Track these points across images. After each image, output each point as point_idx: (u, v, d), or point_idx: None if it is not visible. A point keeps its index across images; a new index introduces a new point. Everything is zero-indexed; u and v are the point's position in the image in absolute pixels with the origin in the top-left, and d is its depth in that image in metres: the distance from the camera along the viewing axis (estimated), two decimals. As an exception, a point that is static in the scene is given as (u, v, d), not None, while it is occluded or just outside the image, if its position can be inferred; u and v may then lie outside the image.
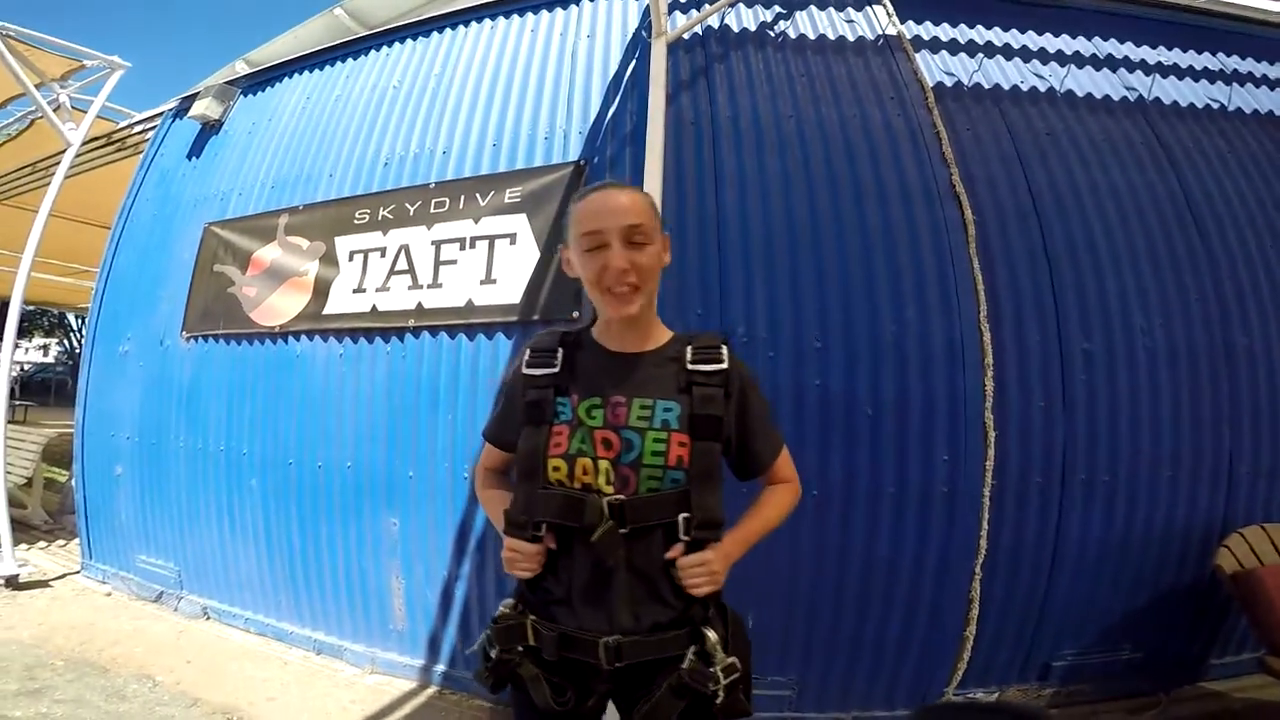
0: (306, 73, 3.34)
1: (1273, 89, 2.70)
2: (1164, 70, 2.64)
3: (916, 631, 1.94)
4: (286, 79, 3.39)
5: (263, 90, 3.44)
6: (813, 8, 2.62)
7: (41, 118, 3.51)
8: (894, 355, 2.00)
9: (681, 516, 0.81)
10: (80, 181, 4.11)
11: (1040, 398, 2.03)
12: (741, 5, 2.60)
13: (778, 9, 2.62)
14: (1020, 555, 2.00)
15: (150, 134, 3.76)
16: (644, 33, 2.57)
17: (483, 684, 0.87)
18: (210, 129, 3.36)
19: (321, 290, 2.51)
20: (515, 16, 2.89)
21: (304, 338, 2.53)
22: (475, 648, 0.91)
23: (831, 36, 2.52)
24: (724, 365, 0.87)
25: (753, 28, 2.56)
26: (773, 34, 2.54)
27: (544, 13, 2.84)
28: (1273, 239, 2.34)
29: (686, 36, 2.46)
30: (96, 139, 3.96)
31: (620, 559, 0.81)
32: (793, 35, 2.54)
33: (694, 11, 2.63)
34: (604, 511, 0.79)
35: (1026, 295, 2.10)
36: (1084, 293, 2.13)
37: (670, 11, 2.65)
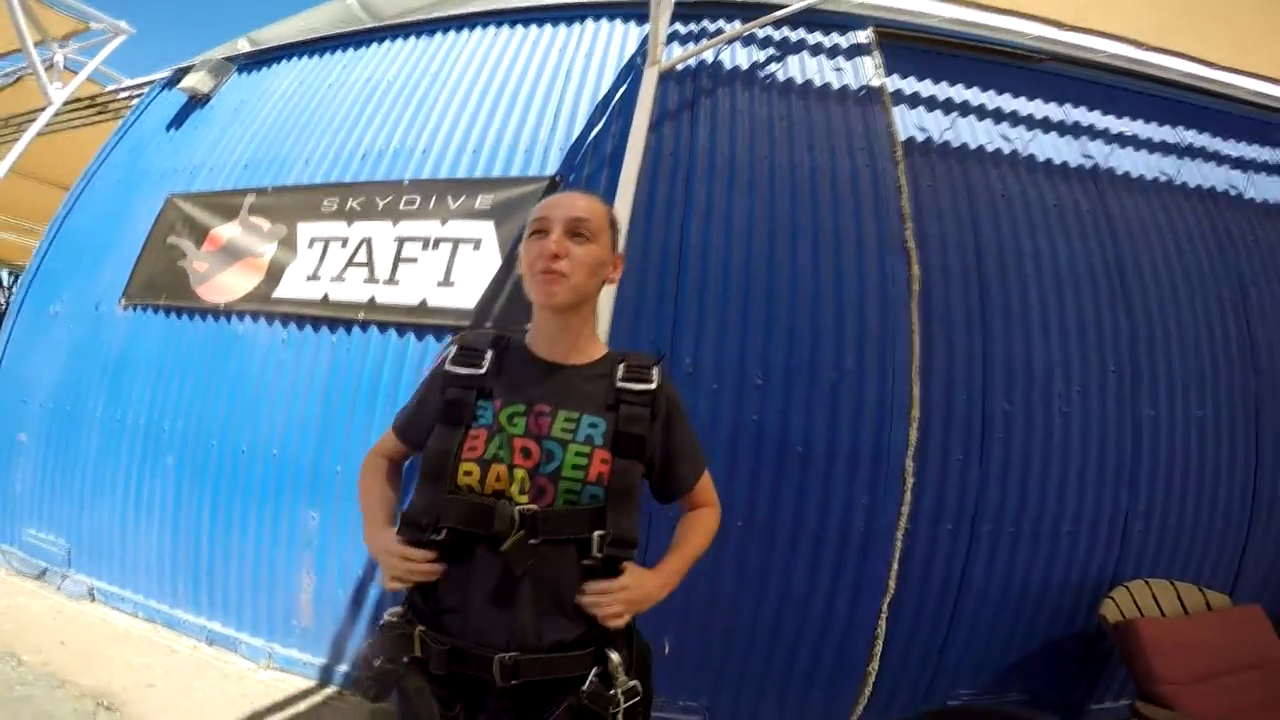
0: (305, 57, 3.37)
1: (1215, 163, 2.85)
2: (1120, 140, 2.78)
3: (824, 663, 1.99)
4: (284, 61, 3.42)
5: (258, 70, 3.45)
6: (805, 53, 2.71)
7: (31, 74, 3.47)
8: (828, 399, 2.07)
9: (596, 534, 0.79)
10: (55, 142, 4.03)
11: (959, 451, 2.11)
12: (738, 43, 2.68)
13: (772, 50, 2.72)
14: (925, 598, 2.07)
15: (134, 101, 3.73)
16: (639, 59, 2.65)
17: (363, 693, 0.81)
18: (197, 102, 3.34)
19: (275, 273, 2.47)
20: (520, 26, 2.96)
21: (249, 318, 2.47)
22: (358, 655, 0.86)
23: (818, 83, 2.61)
24: (653, 386, 0.87)
25: (744, 66, 2.64)
26: (762, 74, 2.63)
27: (548, 26, 2.92)
28: (1191, 315, 2.47)
29: (679, 68, 2.54)
30: (79, 100, 3.91)
31: (527, 570, 0.78)
32: (781, 78, 2.63)
33: (691, 44, 2.71)
34: (514, 520, 0.76)
35: (959, 353, 2.18)
36: (1012, 356, 2.22)
37: (668, 42, 2.74)
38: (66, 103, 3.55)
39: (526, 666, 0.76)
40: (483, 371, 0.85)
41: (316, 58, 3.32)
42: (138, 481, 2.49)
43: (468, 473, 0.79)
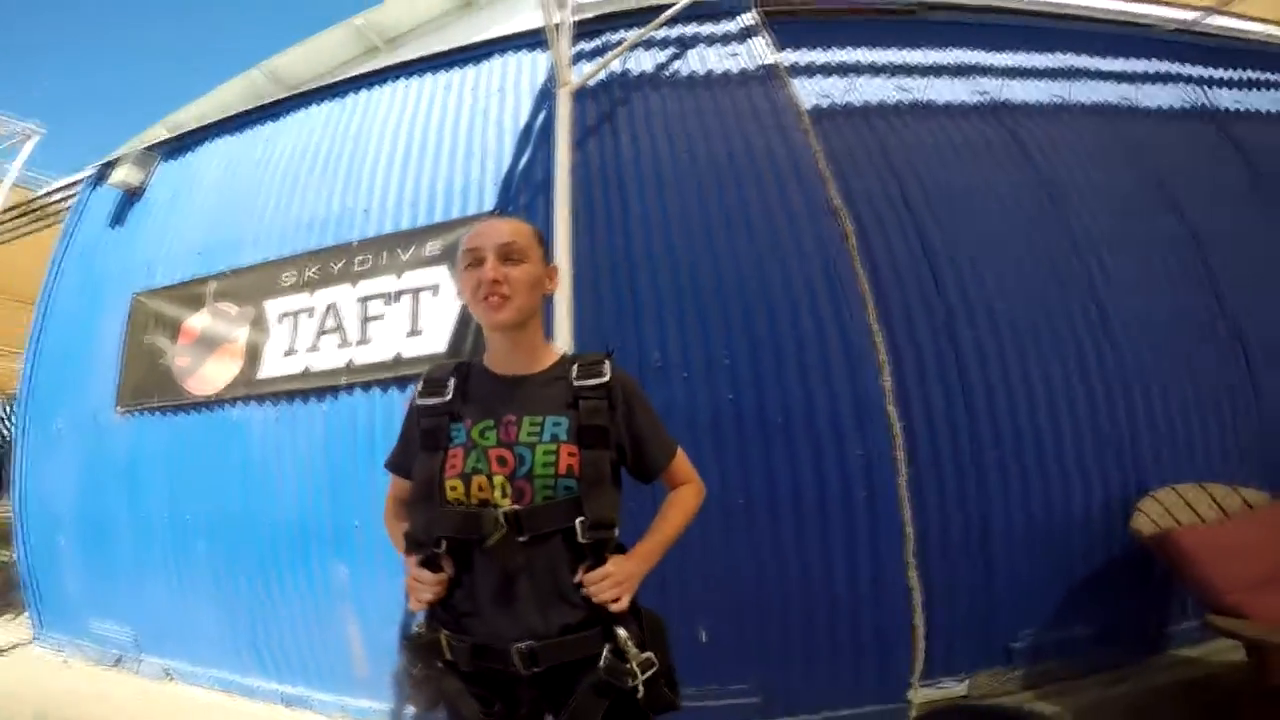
0: (226, 136, 3.41)
1: (1103, 80, 2.97)
2: (1011, 73, 2.88)
3: (865, 627, 1.97)
4: (207, 143, 3.45)
5: (182, 155, 3.49)
6: (702, 45, 2.79)
7: None
8: (796, 365, 2.09)
9: (578, 521, 0.87)
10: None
11: (939, 387, 2.15)
12: (641, 49, 2.75)
13: (672, 49, 2.80)
14: (949, 541, 2.04)
15: (69, 202, 3.74)
16: (550, 84, 2.73)
17: (415, 705, 0.91)
18: (132, 196, 3.39)
19: (253, 355, 2.59)
20: (429, 75, 3.03)
21: (239, 404, 2.60)
22: (397, 671, 0.95)
23: (718, 71, 2.70)
24: (606, 379, 0.94)
25: (650, 69, 2.73)
26: (668, 74, 2.72)
27: (455, 70, 2.99)
28: (1125, 216, 2.55)
29: (591, 84, 2.61)
30: (13, 208, 3.90)
31: (521, 565, 0.86)
32: (684, 73, 2.72)
33: (598, 59, 2.76)
34: (499, 521, 0.85)
35: (913, 295, 2.23)
36: (965, 287, 2.27)
37: (576, 61, 2.82)
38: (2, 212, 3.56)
39: (543, 652, 0.84)
40: (449, 398, 0.94)
41: (237, 135, 3.37)
42: (176, 568, 2.65)
43: (453, 488, 0.88)
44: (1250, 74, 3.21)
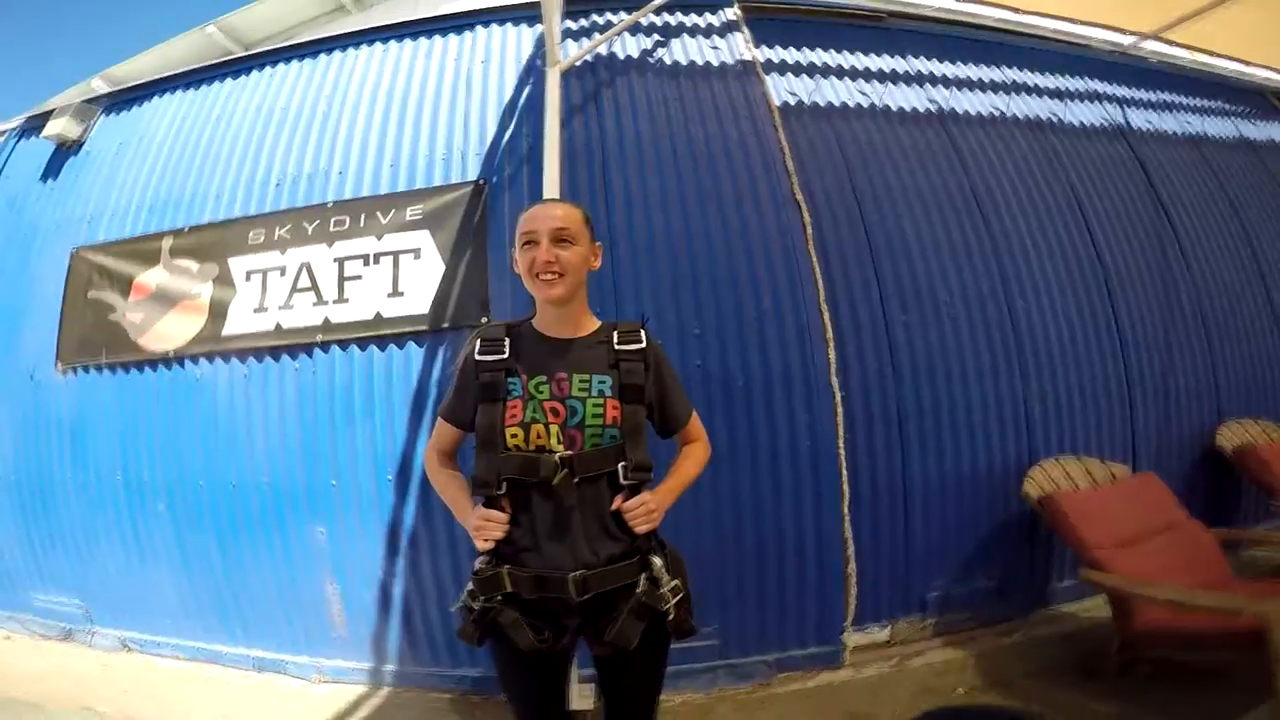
0: (180, 91, 3.22)
1: (1037, 95, 3.31)
2: (959, 84, 3.15)
3: (809, 574, 2.21)
4: (156, 97, 3.24)
5: (128, 109, 3.26)
6: (686, 35, 2.94)
7: None
8: (756, 337, 2.31)
9: (620, 465, 1.01)
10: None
11: (874, 362, 2.43)
12: (626, 34, 2.87)
13: (657, 37, 2.92)
14: (878, 499, 2.34)
15: (-16, 155, 3.40)
16: (538, 61, 2.79)
17: (467, 640, 1.01)
18: (68, 149, 3.13)
19: (218, 311, 2.48)
20: (409, 40, 2.99)
21: (203, 361, 2.49)
22: (456, 606, 1.03)
23: (700, 62, 2.85)
24: (643, 345, 1.09)
25: (636, 55, 2.84)
26: (653, 60, 2.85)
27: (438, 38, 2.97)
28: (1039, 223, 2.88)
29: (578, 64, 2.70)
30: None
31: (574, 503, 0.99)
32: (668, 61, 2.85)
33: (585, 40, 2.86)
34: (557, 465, 0.98)
35: (856, 282, 2.50)
36: (900, 276, 2.55)
37: (564, 39, 2.91)
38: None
39: (594, 580, 0.97)
40: (505, 355, 1.06)
41: (193, 90, 3.18)
42: (133, 533, 2.49)
43: (514, 435, 1.00)
44: (1166, 96, 3.72)
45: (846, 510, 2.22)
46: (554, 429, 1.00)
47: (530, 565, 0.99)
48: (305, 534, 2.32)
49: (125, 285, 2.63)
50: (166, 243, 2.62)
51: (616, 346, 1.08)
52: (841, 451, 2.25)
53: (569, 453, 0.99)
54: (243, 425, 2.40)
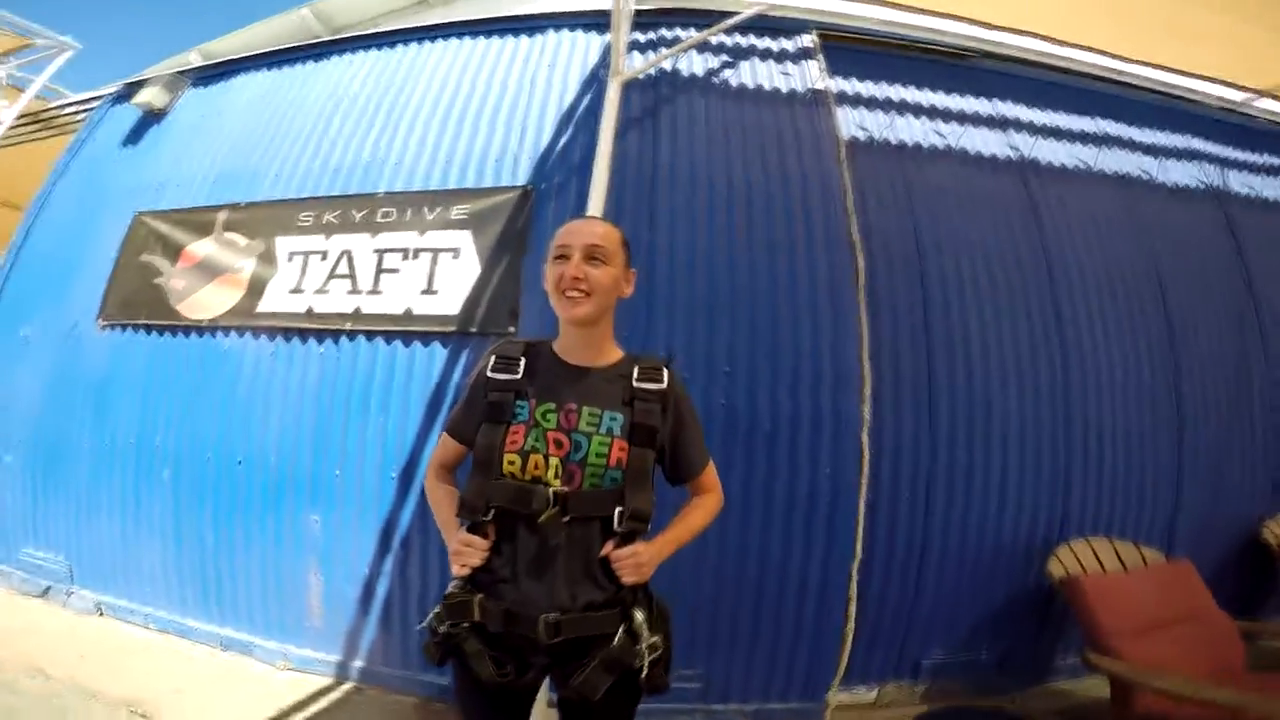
0: (263, 70, 3.36)
1: (1128, 150, 3.06)
2: (1044, 131, 2.95)
3: (805, 627, 2.14)
4: (241, 74, 3.40)
5: (214, 83, 3.43)
6: (756, 59, 2.85)
7: None
8: (789, 381, 2.21)
9: (617, 510, 0.94)
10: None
11: (910, 421, 2.30)
12: (694, 51, 2.81)
13: (726, 57, 2.85)
14: (891, 560, 2.23)
15: (83, 117, 3.63)
16: (602, 70, 2.76)
17: (429, 657, 0.97)
18: (152, 117, 3.30)
19: (256, 288, 2.53)
20: (481, 38, 3.03)
21: (234, 333, 2.52)
22: (424, 625, 0.99)
23: (768, 87, 2.76)
24: (663, 386, 1.02)
25: (700, 74, 2.78)
26: (717, 81, 2.77)
27: (509, 38, 2.99)
28: (1111, 292, 2.68)
29: (640, 77, 2.65)
30: (24, 116, 3.78)
31: (561, 542, 0.93)
32: (734, 84, 2.77)
33: (651, 54, 2.82)
34: (549, 500, 0.92)
35: (904, 335, 2.36)
36: (951, 334, 2.41)
37: (629, 51, 2.87)
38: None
39: (567, 625, 0.91)
40: (518, 376, 1.01)
41: (275, 71, 3.32)
42: (134, 498, 2.52)
43: (511, 462, 0.95)
44: (1270, 160, 3.35)
45: (856, 569, 2.12)
46: (554, 461, 0.94)
47: (504, 598, 0.94)
48: (300, 520, 2.29)
49: (175, 252, 2.72)
50: (222, 216, 2.70)
51: (635, 383, 1.01)
52: (861, 509, 2.15)
53: (565, 489, 0.93)
54: (260, 402, 2.41)
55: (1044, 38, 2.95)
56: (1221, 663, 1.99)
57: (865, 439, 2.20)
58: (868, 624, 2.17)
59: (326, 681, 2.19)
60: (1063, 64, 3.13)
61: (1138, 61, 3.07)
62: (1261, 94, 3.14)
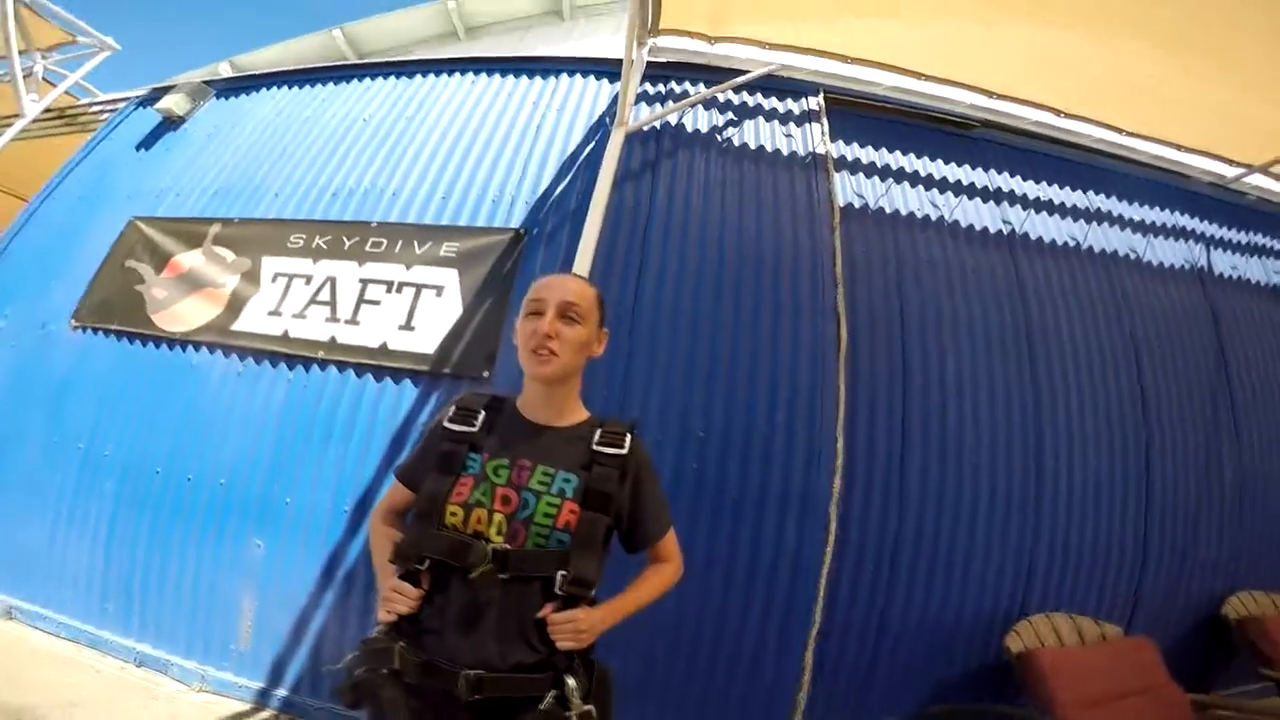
0: (284, 88, 3.45)
1: (1117, 227, 3.07)
2: (1036, 205, 2.97)
3: (758, 693, 2.10)
4: (264, 89, 3.49)
5: (237, 96, 3.51)
6: (761, 118, 2.90)
7: (7, 80, 3.45)
8: (762, 450, 2.20)
9: (559, 573, 0.91)
10: (16, 151, 3.98)
11: (879, 498, 2.27)
12: (701, 106, 2.85)
13: (731, 115, 2.90)
14: (849, 631, 2.21)
15: (107, 116, 3.72)
16: (608, 119, 2.82)
17: (342, 699, 0.92)
18: (171, 124, 3.38)
19: (235, 306, 2.51)
20: (497, 75, 3.11)
21: (204, 349, 2.50)
22: (340, 665, 0.95)
23: (769, 148, 2.79)
24: (624, 451, 1.00)
25: (704, 129, 2.81)
26: (720, 138, 2.80)
27: (524, 78, 3.07)
28: (1089, 374, 2.65)
29: (645, 129, 2.70)
30: (50, 111, 3.88)
31: (495, 600, 0.90)
32: (737, 142, 2.80)
33: (658, 106, 2.88)
34: (487, 556, 0.90)
35: (880, 410, 2.34)
36: (928, 410, 2.38)
37: (637, 102, 2.92)
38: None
39: (489, 684, 0.87)
40: (475, 429, 1.00)
41: (296, 89, 3.40)
42: (71, 504, 2.44)
43: (453, 514, 0.93)
44: (1256, 239, 3.35)
45: (813, 640, 2.10)
46: (498, 517, 0.93)
47: (426, 649, 0.91)
48: (242, 544, 2.22)
49: (163, 261, 2.72)
50: (214, 229, 2.72)
51: (594, 446, 1.00)
52: (823, 582, 2.14)
53: (506, 546, 0.91)
54: (220, 422, 2.36)
55: (1045, 108, 2.99)
56: (1171, 736, 2.03)
57: (833, 511, 2.17)
58: (820, 695, 2.14)
59: (243, 707, 2.10)
60: (1061, 136, 3.16)
61: (1134, 134, 3.10)
62: (1253, 169, 3.13)
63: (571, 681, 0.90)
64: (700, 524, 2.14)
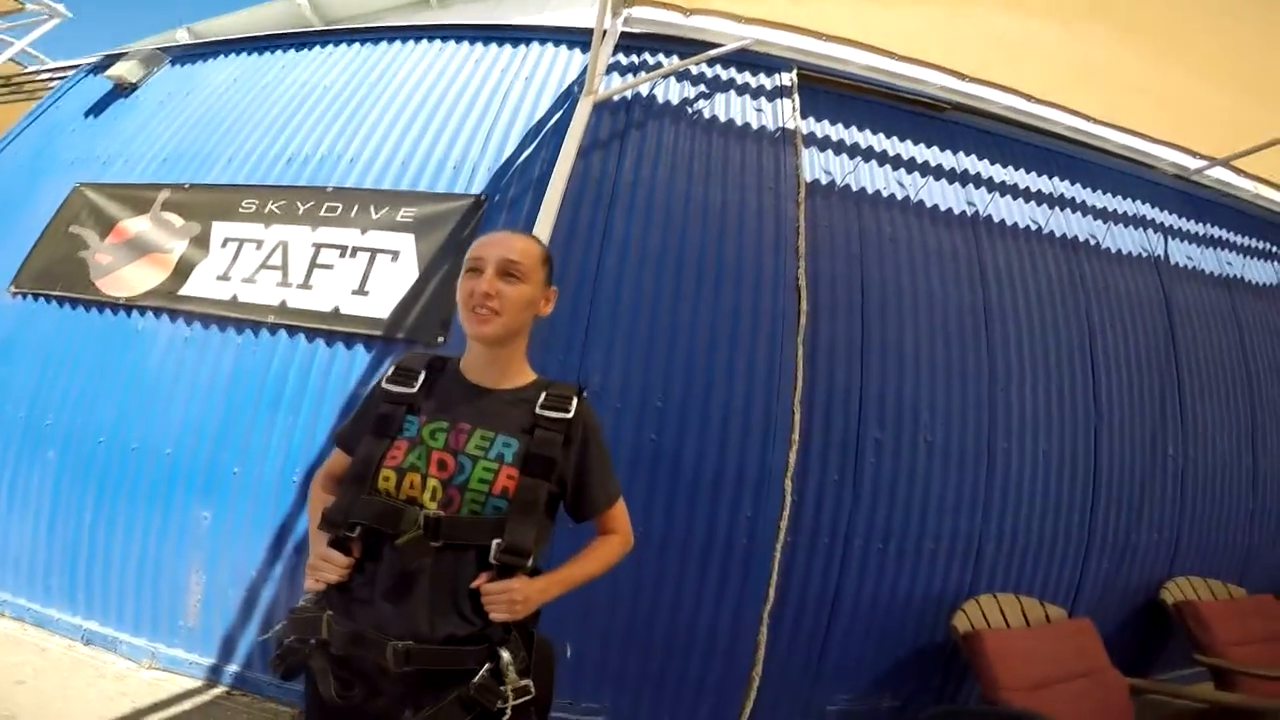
0: (243, 54, 3.33)
1: (1079, 213, 3.08)
2: (1002, 189, 2.96)
3: (714, 669, 2.11)
4: (221, 56, 3.37)
5: (192, 63, 3.39)
6: (733, 92, 2.85)
7: None
8: (720, 422, 2.18)
9: (494, 541, 0.87)
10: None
11: (835, 473, 2.28)
12: (673, 79, 2.80)
13: (703, 87, 2.84)
14: (804, 608, 2.22)
15: (56, 84, 3.58)
16: (577, 88, 2.76)
17: (274, 670, 0.90)
18: (122, 91, 3.25)
19: (183, 270, 2.43)
20: (465, 43, 3.02)
21: (150, 314, 2.42)
22: (270, 635, 0.94)
23: (739, 122, 2.75)
24: (568, 415, 0.96)
25: (675, 101, 2.76)
26: (690, 110, 2.75)
27: (493, 46, 2.99)
28: (1044, 358, 2.67)
29: (614, 99, 2.64)
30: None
31: (426, 569, 0.86)
32: (707, 115, 2.75)
33: (630, 76, 2.81)
34: (418, 523, 0.86)
35: (839, 384, 2.34)
36: (885, 388, 2.38)
37: (608, 72, 2.85)
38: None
39: (418, 655, 0.84)
40: (414, 390, 0.96)
41: (255, 56, 3.29)
42: (11, 475, 2.37)
43: (386, 478, 0.90)
44: (1211, 231, 3.42)
45: (767, 614, 2.10)
46: (432, 483, 0.88)
47: (355, 619, 0.87)
48: (189, 516, 2.17)
49: (108, 226, 2.63)
50: (163, 195, 2.63)
51: (538, 409, 0.95)
52: (777, 555, 2.13)
53: (440, 513, 0.87)
54: (166, 389, 2.30)
55: (1016, 92, 3.00)
56: (1110, 718, 2.10)
57: (789, 484, 2.17)
58: (775, 670, 2.14)
59: (194, 684, 2.06)
60: (1030, 121, 3.18)
61: (1104, 123, 3.13)
62: (1216, 162, 3.16)
63: (506, 655, 0.86)
64: (658, 496, 2.13)
